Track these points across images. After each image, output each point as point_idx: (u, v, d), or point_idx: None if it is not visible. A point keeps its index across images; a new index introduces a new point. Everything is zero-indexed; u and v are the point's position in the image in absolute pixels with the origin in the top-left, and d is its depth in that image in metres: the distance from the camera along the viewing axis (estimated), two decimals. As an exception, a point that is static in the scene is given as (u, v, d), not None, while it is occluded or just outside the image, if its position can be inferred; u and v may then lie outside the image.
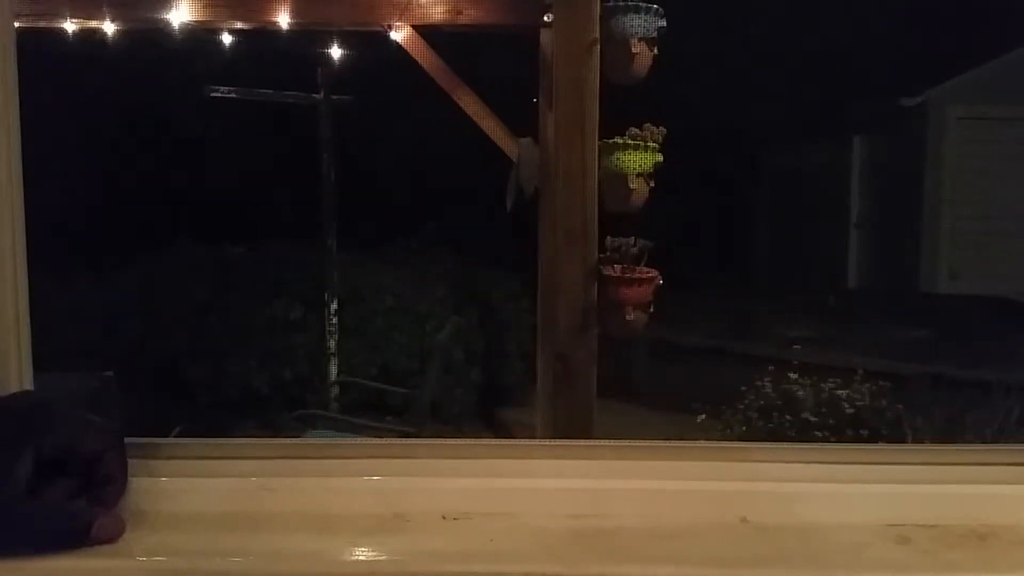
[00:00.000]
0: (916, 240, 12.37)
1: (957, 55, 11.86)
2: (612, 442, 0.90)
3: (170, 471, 0.87)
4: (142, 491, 0.83)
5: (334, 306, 6.47)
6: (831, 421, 4.70)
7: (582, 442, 0.88)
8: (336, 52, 5.76)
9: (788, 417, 4.78)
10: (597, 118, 3.28)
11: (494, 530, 0.82)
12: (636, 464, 0.87)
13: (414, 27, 4.47)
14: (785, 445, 0.94)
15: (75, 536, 0.74)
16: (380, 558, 0.80)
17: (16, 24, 0.88)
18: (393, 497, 0.85)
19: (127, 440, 0.83)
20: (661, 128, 3.36)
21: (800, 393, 4.89)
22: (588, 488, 0.86)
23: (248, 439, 0.93)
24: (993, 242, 11.86)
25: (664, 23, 3.27)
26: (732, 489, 0.85)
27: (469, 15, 4.32)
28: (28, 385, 0.88)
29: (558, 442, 0.90)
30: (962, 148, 12.25)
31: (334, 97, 6.50)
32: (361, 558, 0.80)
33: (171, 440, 0.91)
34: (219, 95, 6.48)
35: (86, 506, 0.77)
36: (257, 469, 0.88)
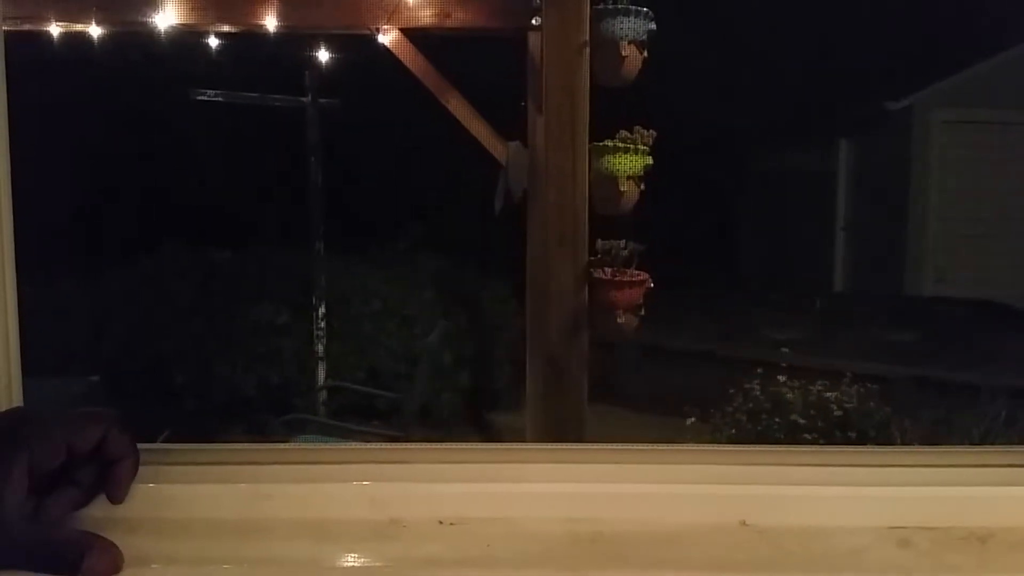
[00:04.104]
0: (902, 243, 12.44)
1: (942, 59, 11.94)
2: (610, 445, 0.89)
3: (160, 477, 0.85)
4: (131, 497, 0.81)
5: (322, 310, 6.46)
6: (820, 423, 4.72)
7: (580, 446, 0.87)
8: (324, 55, 5.77)
9: (777, 420, 4.80)
10: (587, 121, 3.28)
11: (491, 535, 0.81)
12: (635, 468, 0.86)
13: (402, 30, 4.46)
14: (784, 448, 0.93)
15: (65, 568, 0.70)
16: (376, 564, 0.79)
17: (2, 27, 0.86)
18: (388, 502, 0.84)
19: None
20: (651, 131, 3.37)
21: (789, 396, 4.90)
22: (586, 492, 0.85)
23: (241, 444, 0.92)
24: (979, 245, 11.94)
25: (654, 26, 3.28)
26: (731, 492, 0.85)
27: (457, 18, 4.31)
28: (18, 402, 0.85)
29: (556, 446, 0.89)
30: (947, 151, 12.33)
31: (321, 100, 6.49)
32: (356, 564, 0.79)
33: (161, 445, 0.89)
34: (205, 98, 6.46)
35: (79, 537, 0.73)
36: (250, 475, 0.86)
